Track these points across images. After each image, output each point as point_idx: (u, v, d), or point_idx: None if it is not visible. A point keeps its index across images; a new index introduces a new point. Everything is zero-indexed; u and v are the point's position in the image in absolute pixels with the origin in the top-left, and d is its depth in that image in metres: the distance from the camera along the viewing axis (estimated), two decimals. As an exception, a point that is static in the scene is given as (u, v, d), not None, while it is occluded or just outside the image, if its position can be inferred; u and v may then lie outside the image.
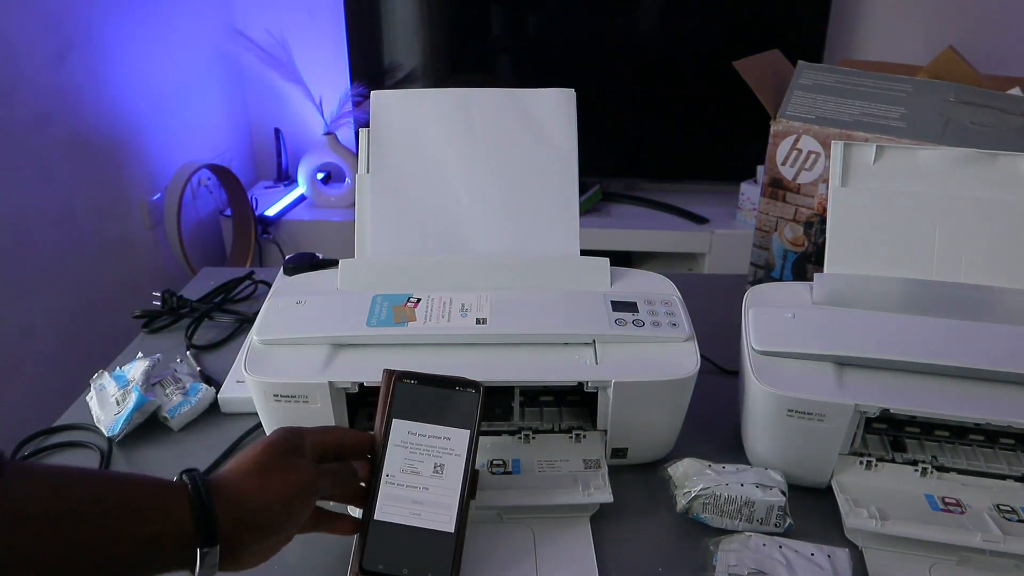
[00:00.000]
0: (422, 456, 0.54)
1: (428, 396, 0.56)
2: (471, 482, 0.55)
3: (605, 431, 0.69)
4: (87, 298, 1.59)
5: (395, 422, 0.55)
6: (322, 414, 0.66)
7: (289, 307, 0.71)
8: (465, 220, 0.80)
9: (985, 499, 0.65)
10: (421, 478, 0.54)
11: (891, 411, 0.64)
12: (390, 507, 0.53)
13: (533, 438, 0.70)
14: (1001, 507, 0.64)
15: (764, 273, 1.03)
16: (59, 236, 1.52)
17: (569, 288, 0.75)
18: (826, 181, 0.91)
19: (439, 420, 0.55)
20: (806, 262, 0.99)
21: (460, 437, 0.55)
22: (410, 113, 0.81)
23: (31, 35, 1.45)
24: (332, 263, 0.79)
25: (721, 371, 0.88)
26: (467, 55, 2.26)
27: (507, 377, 0.66)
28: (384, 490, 0.54)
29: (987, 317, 0.70)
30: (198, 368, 0.88)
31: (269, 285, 0.80)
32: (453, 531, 0.52)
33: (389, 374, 0.56)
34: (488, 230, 0.80)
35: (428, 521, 0.53)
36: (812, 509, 0.67)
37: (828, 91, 0.95)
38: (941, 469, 0.67)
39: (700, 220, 2.17)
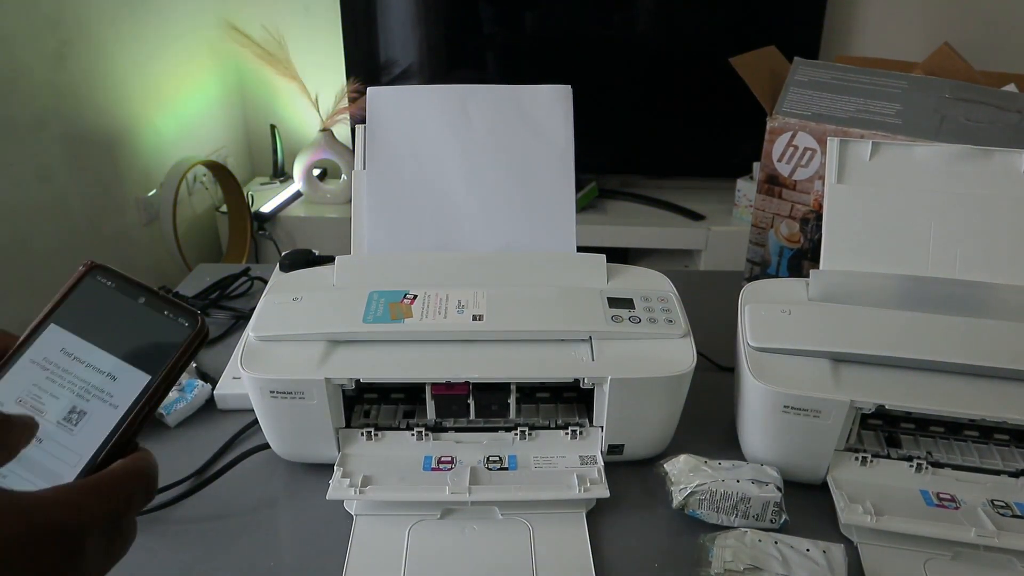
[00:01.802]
0: (59, 390, 0.34)
1: (121, 310, 0.36)
2: (129, 468, 0.32)
3: (601, 427, 0.69)
4: (83, 295, 1.59)
5: (51, 327, 0.35)
6: (318, 410, 0.66)
7: (285, 303, 0.71)
8: (461, 216, 0.80)
9: (979, 494, 0.65)
10: (41, 422, 0.33)
11: (886, 407, 0.64)
12: (12, 388, 0.34)
13: (530, 434, 0.70)
14: (995, 502, 0.64)
15: (760, 270, 1.03)
16: (55, 233, 1.52)
17: (565, 285, 0.75)
18: (822, 178, 0.91)
19: (114, 348, 0.35)
20: (802, 259, 0.99)
21: (132, 381, 0.35)
22: (406, 110, 0.81)
23: (30, 35, 1.45)
24: (328, 259, 0.79)
25: (717, 367, 0.88)
26: (463, 51, 2.26)
27: (503, 373, 0.66)
28: (19, 365, 0.34)
29: (982, 313, 0.70)
30: (194, 364, 0.88)
31: (265, 281, 0.80)
32: (78, 467, 0.33)
33: (89, 264, 0.37)
34: (484, 226, 0.80)
35: (13, 483, 0.32)
36: (808, 505, 0.67)
37: (824, 88, 0.95)
38: (936, 465, 0.67)
39: (696, 217, 2.17)
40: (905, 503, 0.64)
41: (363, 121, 0.81)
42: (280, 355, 0.66)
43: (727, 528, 0.63)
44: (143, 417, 0.34)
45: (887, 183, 0.77)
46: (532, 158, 0.80)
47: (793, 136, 0.95)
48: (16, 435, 0.31)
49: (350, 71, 2.18)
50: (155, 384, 0.35)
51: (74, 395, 0.34)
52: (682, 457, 0.67)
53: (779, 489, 0.64)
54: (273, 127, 2.29)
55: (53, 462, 0.33)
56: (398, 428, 0.71)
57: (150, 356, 0.36)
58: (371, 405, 0.73)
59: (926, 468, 0.67)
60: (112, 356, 0.35)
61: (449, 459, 0.68)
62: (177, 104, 1.98)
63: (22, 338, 0.35)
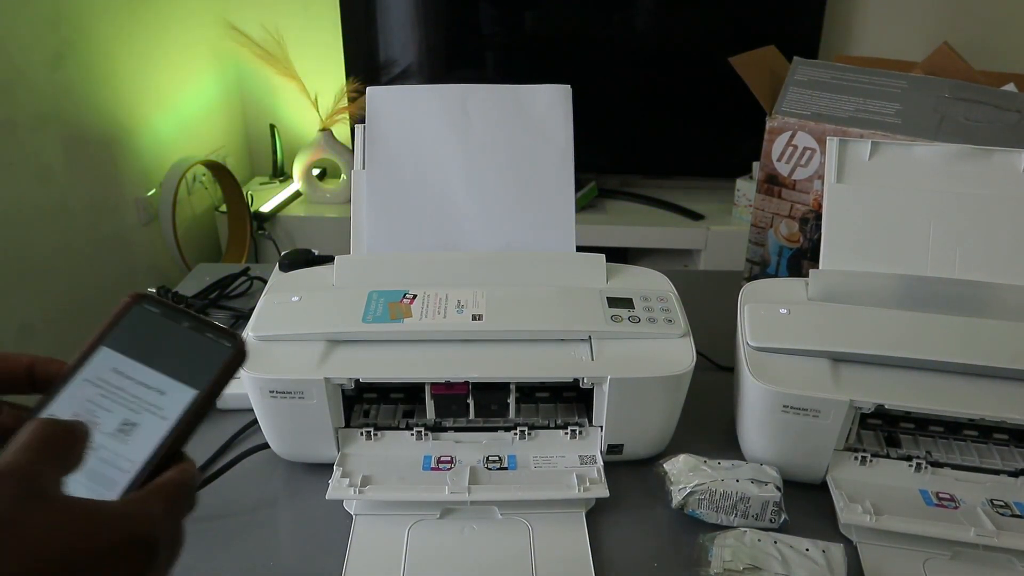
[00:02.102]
0: (112, 405, 0.37)
1: (166, 333, 0.40)
2: (179, 478, 0.35)
3: (601, 427, 0.69)
4: (83, 294, 1.59)
5: (103, 350, 0.38)
6: (318, 410, 0.66)
7: (285, 303, 0.71)
8: (461, 216, 0.80)
9: (979, 494, 0.65)
10: (96, 434, 0.36)
11: (886, 407, 0.64)
12: (68, 406, 0.36)
13: (529, 434, 0.70)
14: (995, 502, 0.64)
15: (760, 269, 1.03)
16: (55, 233, 1.52)
17: (565, 284, 0.75)
18: (821, 177, 0.91)
19: (162, 366, 0.38)
20: (802, 258, 0.99)
21: (178, 395, 0.37)
22: (406, 109, 0.81)
23: (30, 35, 1.45)
24: (328, 259, 0.79)
25: (717, 367, 0.88)
26: (463, 51, 2.26)
27: (503, 373, 0.66)
28: (73, 387, 0.37)
29: (982, 313, 0.70)
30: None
31: (265, 281, 0.80)
32: (133, 475, 0.35)
33: (133, 295, 0.40)
34: (484, 226, 0.80)
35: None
36: (807, 504, 0.67)
37: (824, 87, 0.95)
38: (935, 464, 0.67)
39: (696, 216, 2.17)
40: (904, 503, 0.64)
41: (363, 121, 0.81)
42: (280, 355, 0.66)
43: (727, 528, 0.63)
44: (190, 429, 0.37)
45: (887, 183, 0.77)
46: (532, 158, 0.80)
47: (792, 136, 0.95)
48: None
49: (350, 71, 2.18)
50: (201, 398, 0.37)
51: (126, 409, 0.37)
52: (681, 457, 0.67)
53: (778, 489, 0.64)
54: (272, 127, 2.28)
55: (108, 469, 0.35)
56: (398, 428, 0.71)
57: (196, 371, 0.38)
58: (370, 405, 0.73)
59: (925, 468, 0.67)
60: (160, 374, 0.38)
61: (448, 459, 0.68)
62: (176, 104, 1.98)
63: (73, 362, 0.37)
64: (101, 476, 0.35)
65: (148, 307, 0.39)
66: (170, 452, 0.36)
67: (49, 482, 0.30)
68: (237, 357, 0.39)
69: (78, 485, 0.33)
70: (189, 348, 0.39)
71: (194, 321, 0.40)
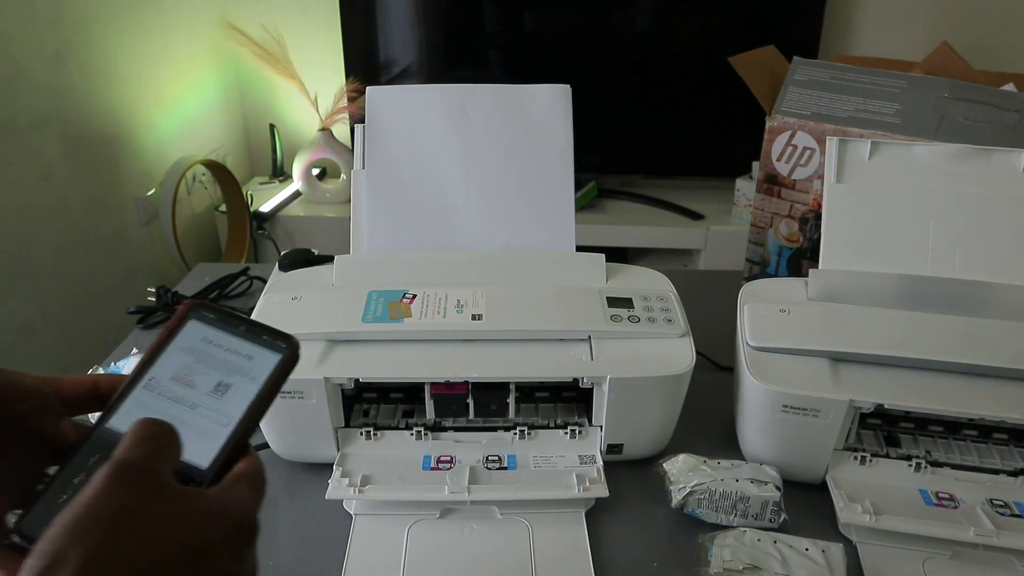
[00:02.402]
0: (206, 370, 0.39)
1: (223, 339, 0.42)
2: (253, 468, 0.37)
3: (600, 427, 0.69)
4: (83, 294, 1.59)
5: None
6: (317, 410, 0.66)
7: (284, 303, 0.71)
8: (461, 216, 0.80)
9: (978, 494, 0.65)
10: (194, 392, 0.39)
11: (885, 406, 0.64)
12: (133, 415, 0.36)
13: (529, 434, 0.70)
14: (994, 501, 0.64)
15: (759, 269, 1.03)
16: (55, 232, 1.52)
17: (565, 284, 0.75)
18: (821, 177, 0.91)
19: (219, 368, 0.41)
20: (801, 258, 0.99)
21: (265, 361, 0.40)
22: (406, 109, 0.81)
23: (30, 35, 1.45)
24: (327, 259, 0.79)
25: (716, 367, 0.88)
26: (463, 51, 2.26)
27: (503, 373, 0.66)
28: (136, 396, 0.38)
29: (981, 313, 0.70)
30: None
31: (264, 281, 0.80)
32: (206, 468, 0.37)
33: (187, 305, 0.42)
34: (484, 226, 0.80)
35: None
36: (807, 504, 0.67)
37: (823, 87, 0.95)
38: (935, 464, 0.67)
39: (696, 216, 2.17)
40: (904, 502, 0.64)
41: (362, 120, 0.81)
42: (279, 355, 0.66)
43: (726, 527, 0.63)
44: (254, 423, 0.39)
45: (886, 182, 0.77)
46: (531, 157, 0.80)
47: (792, 135, 0.95)
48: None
49: (349, 70, 2.18)
50: (261, 394, 0.39)
51: (220, 372, 0.39)
52: (681, 456, 0.67)
53: (778, 488, 0.64)
54: (272, 126, 2.28)
55: (209, 424, 0.38)
56: (397, 428, 0.71)
57: (255, 373, 0.40)
58: (370, 404, 0.73)
59: (925, 467, 0.67)
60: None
61: (448, 458, 0.68)
62: (176, 103, 1.98)
63: (132, 374, 0.39)
64: (203, 429, 0.37)
65: (205, 313, 0.41)
66: (237, 444, 0.37)
67: (165, 474, 0.32)
68: (292, 359, 0.40)
69: (185, 440, 0.35)
70: (246, 351, 0.41)
71: (250, 325, 0.41)
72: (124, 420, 0.37)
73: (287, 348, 0.40)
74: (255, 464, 0.37)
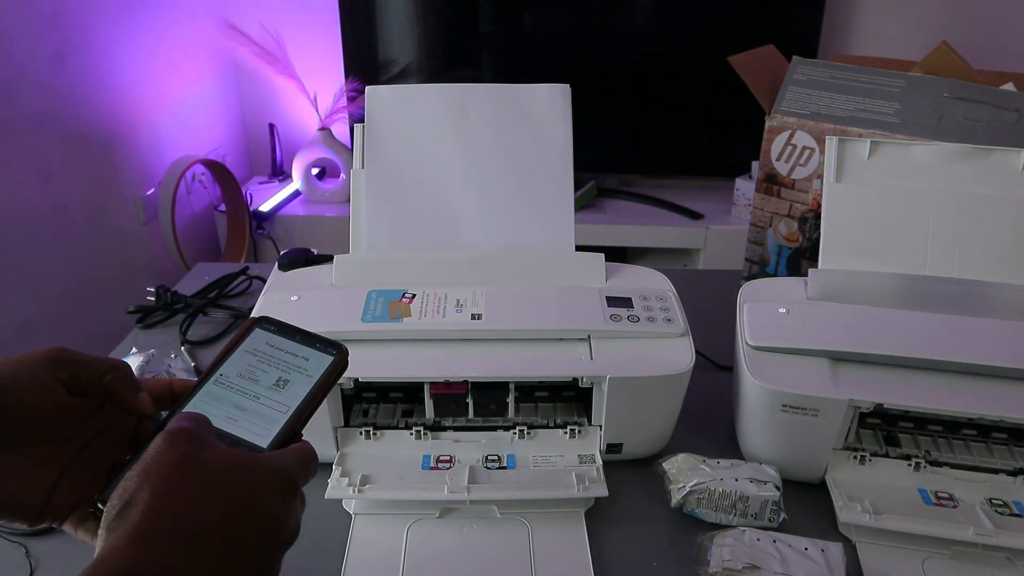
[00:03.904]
0: (268, 368, 0.47)
1: (283, 345, 0.49)
2: (305, 447, 0.44)
3: (600, 426, 0.69)
4: (82, 293, 1.59)
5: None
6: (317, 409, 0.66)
7: (284, 303, 0.71)
8: (460, 215, 0.80)
9: (977, 493, 0.65)
10: (257, 386, 0.46)
11: (885, 406, 0.64)
12: (204, 405, 0.44)
13: (528, 433, 0.70)
14: (993, 501, 0.65)
15: (759, 269, 1.04)
16: (55, 232, 1.52)
17: (564, 284, 0.75)
18: (821, 177, 0.91)
19: (281, 367, 0.48)
20: (801, 258, 0.99)
21: (319, 362, 0.48)
22: (405, 109, 0.81)
23: (30, 35, 1.45)
24: (327, 259, 0.79)
25: (716, 366, 0.88)
26: (462, 50, 2.26)
27: (502, 372, 0.66)
28: (207, 388, 0.46)
29: (980, 312, 0.70)
30: (192, 364, 0.88)
31: (264, 281, 0.80)
32: (265, 447, 0.43)
33: (253, 318, 0.50)
34: (483, 225, 0.80)
35: (241, 429, 0.44)
36: (806, 504, 0.67)
37: (823, 87, 0.95)
38: (934, 463, 0.68)
39: (695, 216, 2.17)
40: (903, 502, 0.64)
41: (362, 120, 0.81)
42: (279, 354, 0.66)
43: (726, 527, 0.63)
44: (310, 410, 0.45)
45: (885, 182, 0.77)
46: (531, 157, 0.80)
47: (792, 135, 0.95)
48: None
49: (348, 70, 2.18)
50: (314, 391, 0.46)
51: (280, 370, 0.47)
52: (681, 456, 0.67)
53: (778, 488, 0.64)
54: (272, 126, 2.28)
55: (269, 411, 0.44)
56: (397, 427, 0.71)
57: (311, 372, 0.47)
58: (370, 404, 0.73)
59: (924, 467, 0.67)
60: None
61: (448, 458, 0.68)
62: (176, 103, 1.98)
63: (201, 376, 0.46)
64: (264, 416, 0.44)
65: (266, 326, 0.49)
66: (293, 428, 0.44)
67: (210, 438, 0.38)
68: (341, 363, 0.47)
69: (249, 423, 0.43)
70: (303, 354, 0.48)
71: (303, 335, 0.48)
72: (194, 409, 0.43)
73: (337, 353, 0.47)
74: (306, 444, 0.43)
